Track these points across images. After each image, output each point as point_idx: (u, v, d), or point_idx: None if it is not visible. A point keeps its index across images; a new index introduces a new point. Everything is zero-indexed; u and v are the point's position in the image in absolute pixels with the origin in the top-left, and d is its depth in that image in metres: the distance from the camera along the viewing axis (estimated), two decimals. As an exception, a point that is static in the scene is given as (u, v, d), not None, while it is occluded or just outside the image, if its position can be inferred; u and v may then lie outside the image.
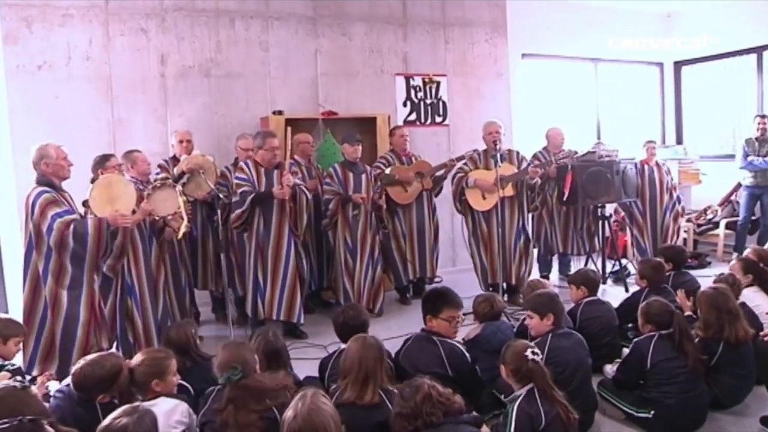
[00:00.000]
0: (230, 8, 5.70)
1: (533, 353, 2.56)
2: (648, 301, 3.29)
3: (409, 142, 5.74)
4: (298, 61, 6.01)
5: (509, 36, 6.96)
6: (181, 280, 4.60)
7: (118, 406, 2.43)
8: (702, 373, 3.09)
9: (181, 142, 4.95)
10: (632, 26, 7.80)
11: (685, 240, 7.03)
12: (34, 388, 2.40)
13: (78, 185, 3.95)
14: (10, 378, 2.72)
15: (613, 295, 5.27)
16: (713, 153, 7.94)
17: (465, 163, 5.46)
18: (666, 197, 6.21)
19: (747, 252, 4.50)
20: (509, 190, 5.30)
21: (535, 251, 5.92)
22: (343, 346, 3.14)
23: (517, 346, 2.65)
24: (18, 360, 3.38)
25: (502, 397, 2.93)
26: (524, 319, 3.78)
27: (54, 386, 2.84)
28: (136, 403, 2.26)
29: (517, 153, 5.56)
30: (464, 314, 4.25)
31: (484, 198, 5.32)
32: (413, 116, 6.57)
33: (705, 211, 7.28)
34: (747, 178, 6.65)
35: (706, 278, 4.92)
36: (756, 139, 6.55)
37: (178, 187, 4.14)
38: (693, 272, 4.97)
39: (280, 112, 5.65)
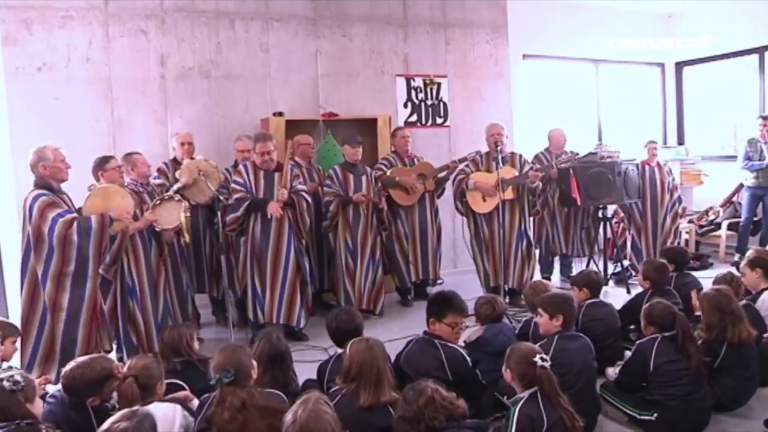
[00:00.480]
0: (230, 9, 5.69)
1: (542, 359, 2.51)
2: (651, 303, 3.28)
3: (410, 143, 5.72)
4: (299, 63, 5.99)
5: (510, 37, 6.95)
6: (182, 282, 4.59)
7: (110, 409, 2.42)
8: (705, 375, 3.07)
9: (182, 144, 4.94)
10: (633, 27, 7.79)
11: (686, 241, 7.01)
12: (35, 382, 2.39)
13: (77, 187, 3.95)
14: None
15: (614, 296, 5.26)
16: (715, 154, 7.92)
17: (467, 165, 5.44)
18: (667, 198, 6.19)
19: (748, 254, 4.50)
20: (509, 193, 5.27)
21: (537, 253, 5.90)
22: (340, 350, 3.12)
23: (524, 350, 2.60)
24: (15, 362, 3.37)
25: (505, 399, 2.90)
26: (530, 319, 3.79)
27: (51, 390, 2.83)
28: (135, 407, 2.23)
29: (520, 156, 5.53)
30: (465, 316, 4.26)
31: (484, 200, 5.29)
32: (414, 117, 6.56)
33: (707, 212, 7.26)
34: (749, 179, 6.63)
35: (707, 280, 4.91)
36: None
37: (185, 204, 4.19)
38: (695, 273, 4.96)
39: (280, 114, 5.64)
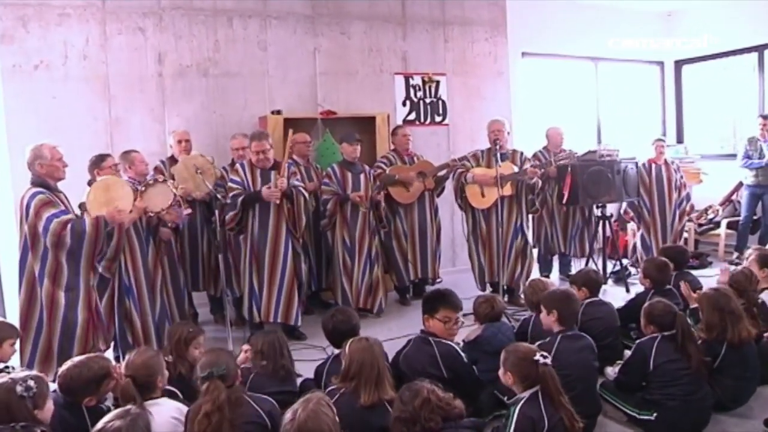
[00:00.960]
0: (228, 7, 5.66)
1: (543, 356, 2.49)
2: (651, 302, 3.26)
3: (411, 141, 5.71)
4: (297, 61, 5.97)
5: (509, 35, 6.93)
6: (179, 281, 4.57)
7: (105, 411, 2.40)
8: (705, 375, 3.05)
9: (179, 142, 4.92)
10: (633, 25, 7.77)
11: (686, 240, 7.00)
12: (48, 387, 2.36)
13: (75, 185, 3.93)
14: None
15: (613, 295, 5.25)
16: (714, 152, 7.91)
17: (467, 160, 5.42)
18: (675, 196, 6.20)
19: (749, 252, 4.49)
20: (508, 189, 5.26)
21: (535, 251, 5.89)
22: (337, 351, 3.11)
23: (522, 351, 2.57)
24: (15, 362, 3.35)
25: (506, 399, 2.88)
26: (529, 317, 3.79)
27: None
28: (128, 406, 2.23)
29: (521, 154, 5.50)
30: (464, 315, 4.25)
31: (483, 196, 5.28)
32: (413, 116, 6.54)
33: (706, 210, 7.25)
34: (748, 178, 6.63)
35: (707, 278, 4.90)
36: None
37: (170, 181, 4.12)
38: (694, 272, 4.94)
39: (278, 112, 5.62)
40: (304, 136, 5.41)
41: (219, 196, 4.47)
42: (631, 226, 6.85)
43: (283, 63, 5.91)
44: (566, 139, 6.08)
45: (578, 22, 7.36)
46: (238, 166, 4.69)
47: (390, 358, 3.06)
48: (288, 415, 2.09)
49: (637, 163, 6.09)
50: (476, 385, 3.17)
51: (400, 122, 6.32)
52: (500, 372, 2.60)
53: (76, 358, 2.58)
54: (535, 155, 5.97)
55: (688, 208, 6.33)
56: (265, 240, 4.57)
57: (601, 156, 5.76)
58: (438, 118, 6.68)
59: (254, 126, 5.54)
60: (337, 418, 2.13)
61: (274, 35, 5.87)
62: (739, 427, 3.11)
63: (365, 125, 5.92)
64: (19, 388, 2.14)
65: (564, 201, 5.65)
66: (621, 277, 5.88)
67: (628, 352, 3.61)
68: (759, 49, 7.38)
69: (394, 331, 4.54)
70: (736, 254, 6.54)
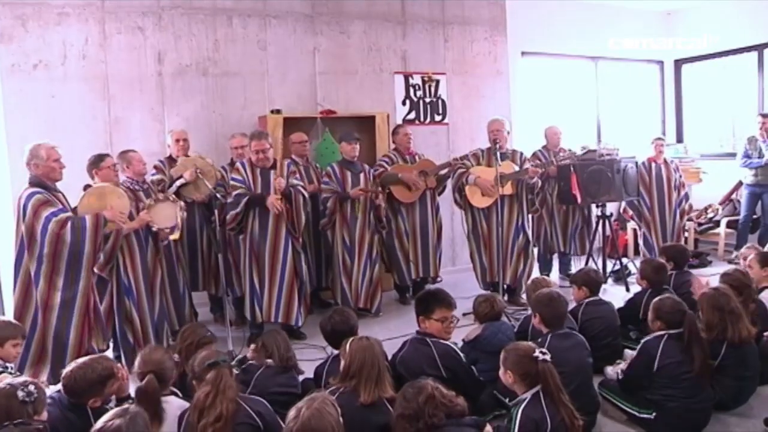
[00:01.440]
0: (227, 6, 5.65)
1: (542, 353, 2.49)
2: (660, 298, 3.23)
3: (412, 140, 5.70)
4: (296, 60, 5.96)
5: (509, 34, 6.93)
6: (178, 282, 4.56)
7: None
8: (707, 378, 3.03)
9: (177, 141, 4.91)
10: (632, 24, 7.77)
11: (686, 239, 7.00)
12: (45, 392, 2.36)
13: (74, 185, 3.92)
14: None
15: (613, 294, 5.24)
16: (714, 151, 7.91)
17: (468, 159, 5.41)
18: (674, 195, 6.21)
19: (743, 250, 4.49)
20: (508, 189, 5.25)
21: (535, 251, 5.88)
22: (336, 352, 3.11)
23: (521, 349, 2.57)
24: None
25: (507, 400, 2.88)
26: (528, 316, 3.77)
27: (48, 392, 2.79)
28: (126, 405, 2.23)
29: (521, 154, 5.50)
30: (464, 314, 4.24)
31: (483, 194, 5.27)
32: (412, 115, 6.53)
33: (706, 209, 7.25)
34: (748, 177, 6.63)
35: (707, 278, 4.88)
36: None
37: (180, 203, 4.19)
38: (694, 271, 4.94)
39: (278, 111, 5.61)
40: (301, 135, 5.40)
41: (219, 195, 4.47)
42: (631, 225, 6.86)
43: (283, 62, 5.90)
44: (566, 138, 6.08)
45: (578, 21, 7.35)
46: (238, 164, 4.68)
47: (388, 357, 3.05)
48: (292, 412, 2.10)
49: (636, 162, 6.08)
50: (475, 384, 3.17)
51: (399, 121, 6.30)
52: (500, 371, 2.60)
53: (80, 360, 2.57)
54: (534, 155, 5.97)
55: (687, 208, 6.34)
56: (265, 239, 4.56)
57: (601, 155, 5.75)
58: (438, 118, 6.67)
59: (254, 125, 5.54)
60: (341, 418, 2.13)
61: (274, 34, 5.86)
62: (740, 427, 3.11)
63: (365, 125, 5.91)
64: (20, 394, 2.14)
65: (578, 201, 5.62)
66: (621, 277, 5.88)
67: (628, 352, 3.61)
68: (759, 48, 7.37)
69: (393, 331, 4.54)
70: (735, 253, 6.54)
